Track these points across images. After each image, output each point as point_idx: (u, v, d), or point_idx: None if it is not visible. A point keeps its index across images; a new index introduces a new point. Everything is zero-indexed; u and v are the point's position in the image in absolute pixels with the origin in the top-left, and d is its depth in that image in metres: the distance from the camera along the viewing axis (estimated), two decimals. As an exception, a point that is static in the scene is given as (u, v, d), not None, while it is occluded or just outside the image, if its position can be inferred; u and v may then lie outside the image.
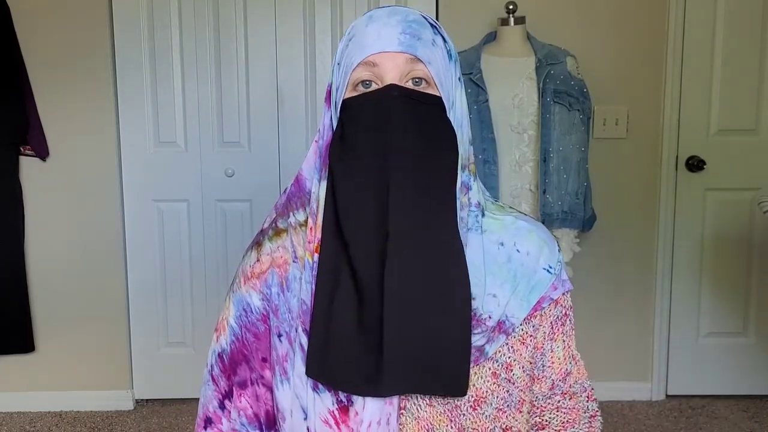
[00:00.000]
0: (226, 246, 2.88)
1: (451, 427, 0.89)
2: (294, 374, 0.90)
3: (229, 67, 2.80)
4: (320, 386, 0.88)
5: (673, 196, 2.85)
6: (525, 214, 0.99)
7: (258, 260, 0.95)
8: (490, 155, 2.34)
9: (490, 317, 0.89)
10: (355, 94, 0.87)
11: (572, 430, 0.97)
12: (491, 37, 2.53)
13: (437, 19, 2.67)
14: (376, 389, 0.84)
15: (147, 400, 2.95)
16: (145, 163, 2.83)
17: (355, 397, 0.87)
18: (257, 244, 0.97)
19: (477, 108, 2.33)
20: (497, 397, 0.90)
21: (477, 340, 0.88)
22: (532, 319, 0.93)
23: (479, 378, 0.89)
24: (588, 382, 1.01)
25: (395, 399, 0.87)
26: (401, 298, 0.83)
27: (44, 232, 2.84)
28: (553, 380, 0.97)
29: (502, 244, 0.93)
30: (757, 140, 2.83)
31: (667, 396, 2.96)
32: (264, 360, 0.95)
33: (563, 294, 0.96)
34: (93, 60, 2.76)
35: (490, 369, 0.90)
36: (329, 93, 0.92)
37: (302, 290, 0.90)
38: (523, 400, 0.93)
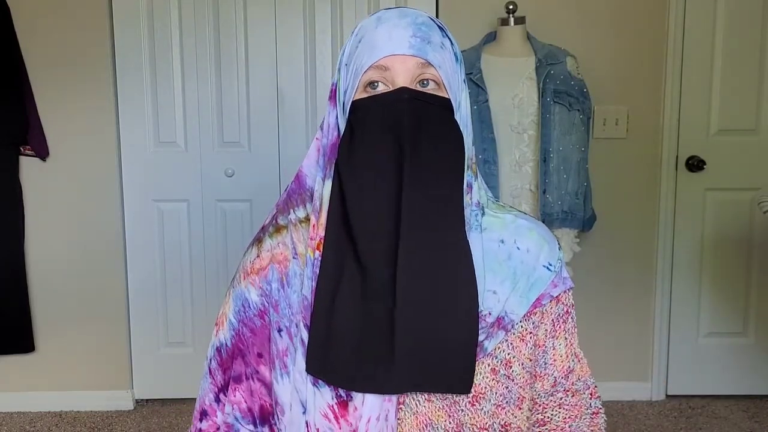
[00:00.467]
0: (226, 246, 2.88)
1: (450, 423, 0.89)
2: (294, 369, 0.90)
3: (229, 67, 2.80)
4: (320, 381, 0.88)
5: (673, 196, 2.85)
6: (525, 213, 1.00)
7: (258, 256, 0.96)
8: (490, 155, 2.34)
9: (489, 313, 0.90)
10: (365, 95, 0.88)
11: (574, 424, 0.97)
12: (491, 37, 2.53)
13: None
14: (383, 387, 0.85)
15: (147, 400, 2.95)
16: (145, 163, 2.84)
17: (354, 393, 0.87)
18: (258, 240, 0.98)
19: (477, 108, 2.33)
20: (496, 393, 0.91)
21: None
22: (531, 316, 0.93)
23: (478, 374, 0.90)
24: (591, 380, 1.01)
25: (394, 395, 0.88)
26: (412, 297, 0.84)
27: (44, 232, 2.84)
28: (555, 377, 0.97)
29: (502, 242, 0.94)
30: (757, 140, 2.83)
31: (667, 396, 2.96)
32: (260, 355, 0.95)
33: (564, 291, 0.96)
34: (93, 60, 2.76)
35: (489, 365, 0.91)
36: (334, 92, 0.92)
37: (303, 286, 0.91)
38: (523, 397, 0.93)
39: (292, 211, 0.96)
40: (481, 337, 0.89)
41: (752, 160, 2.83)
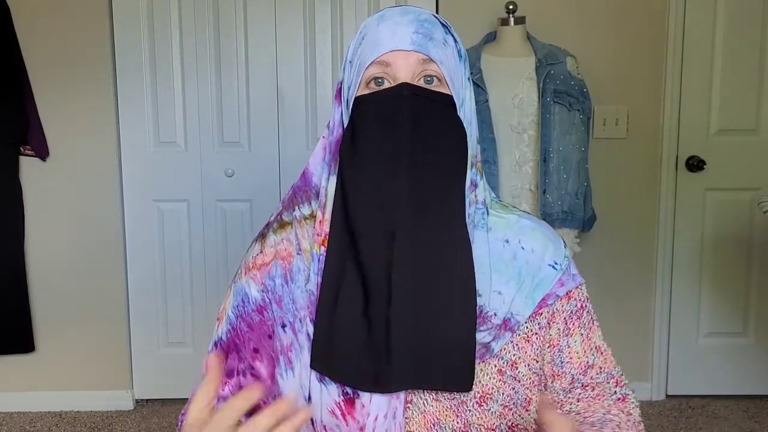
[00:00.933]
0: (226, 246, 2.89)
1: (457, 422, 0.89)
2: (300, 364, 0.90)
3: (229, 67, 2.80)
4: (326, 378, 0.88)
5: (673, 196, 2.85)
6: (528, 213, 0.99)
7: (261, 252, 0.96)
8: (490, 155, 2.34)
9: (495, 314, 0.89)
10: (367, 91, 0.88)
11: (597, 406, 0.95)
12: (491, 37, 2.53)
13: (437, 19, 2.66)
14: (381, 385, 0.85)
15: (147, 400, 2.95)
16: (145, 163, 2.83)
17: (361, 390, 0.87)
18: (262, 236, 0.98)
19: (477, 108, 2.32)
20: (503, 394, 0.91)
21: (483, 337, 0.88)
22: (537, 316, 0.93)
23: (485, 375, 0.90)
24: (617, 369, 0.98)
25: (402, 393, 0.88)
26: (409, 294, 0.84)
27: (44, 232, 2.84)
28: (572, 375, 0.96)
29: (507, 242, 0.93)
30: (757, 140, 2.83)
31: (667, 396, 2.96)
32: (256, 350, 0.95)
33: (576, 287, 0.95)
34: (93, 60, 2.76)
35: (495, 366, 0.91)
36: (340, 90, 0.92)
37: (309, 281, 0.91)
38: (529, 398, 0.93)
39: (297, 207, 0.96)
40: (488, 339, 0.89)
41: (752, 160, 2.83)
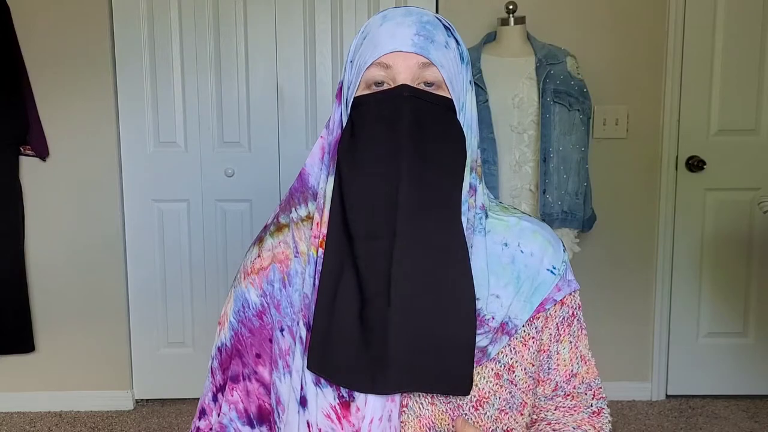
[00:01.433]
0: (226, 246, 2.89)
1: (453, 426, 0.89)
2: (293, 367, 0.90)
3: (229, 67, 2.80)
4: (322, 381, 0.88)
5: (673, 196, 2.85)
6: (528, 215, 0.99)
7: (259, 256, 0.96)
8: (490, 155, 2.34)
9: (493, 318, 0.89)
10: (367, 92, 0.88)
11: (569, 418, 0.96)
12: (491, 37, 2.53)
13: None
14: (378, 387, 0.85)
15: (147, 400, 2.95)
16: (145, 163, 2.84)
17: (356, 393, 0.87)
18: (259, 239, 0.98)
19: (477, 108, 2.32)
20: (499, 398, 0.90)
21: (480, 340, 0.88)
22: (534, 321, 0.93)
23: (482, 378, 0.89)
24: (596, 381, 0.99)
25: (397, 396, 0.87)
26: (407, 297, 0.83)
27: (44, 232, 2.84)
28: (557, 382, 0.96)
29: (506, 245, 0.93)
30: (757, 140, 2.83)
31: (667, 396, 2.96)
32: (258, 356, 0.95)
33: (570, 294, 0.95)
34: (93, 60, 2.76)
35: (492, 370, 0.90)
36: (341, 90, 0.92)
37: (305, 284, 0.90)
38: (525, 402, 0.93)
39: (293, 209, 0.96)
40: (485, 342, 0.88)
41: (752, 160, 2.83)
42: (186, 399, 2.89)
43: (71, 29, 2.74)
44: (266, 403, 0.96)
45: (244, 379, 0.96)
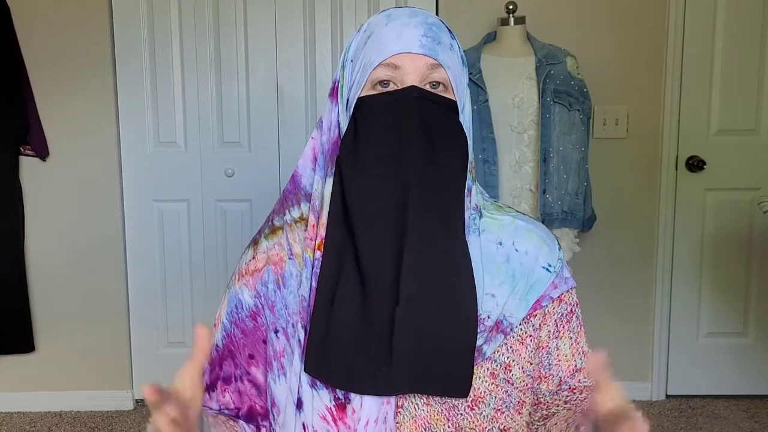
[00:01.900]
0: (226, 246, 2.89)
1: (449, 427, 0.89)
2: (290, 370, 0.90)
3: (229, 67, 2.80)
4: (318, 382, 0.88)
5: (673, 196, 2.85)
6: (524, 214, 0.99)
7: (254, 258, 0.96)
8: (490, 155, 2.34)
9: (488, 317, 0.89)
10: (373, 92, 0.87)
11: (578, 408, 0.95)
12: (491, 37, 2.53)
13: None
14: (378, 387, 0.85)
15: (147, 400, 2.95)
16: (145, 163, 2.84)
17: (352, 395, 0.87)
18: (254, 242, 0.98)
19: (477, 108, 2.33)
20: (495, 397, 0.90)
21: None
22: (531, 318, 0.92)
23: (477, 378, 0.89)
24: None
25: (393, 398, 0.87)
26: (413, 300, 0.83)
27: (44, 232, 2.84)
28: (560, 378, 0.96)
29: (500, 244, 0.93)
30: (757, 140, 2.83)
31: (667, 396, 2.96)
32: (251, 356, 0.95)
33: (567, 291, 0.95)
34: (93, 60, 2.76)
35: (488, 369, 0.90)
36: (336, 89, 0.91)
37: (301, 287, 0.90)
38: (523, 401, 0.92)
39: (287, 211, 0.96)
40: (479, 341, 0.88)
41: (752, 160, 2.83)
42: (186, 399, 2.89)
43: (71, 29, 2.74)
44: (257, 405, 0.96)
45: (236, 380, 0.96)
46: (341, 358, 0.85)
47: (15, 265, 2.80)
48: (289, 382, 0.90)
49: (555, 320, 0.94)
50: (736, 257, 2.89)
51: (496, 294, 0.90)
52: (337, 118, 0.91)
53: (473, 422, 0.89)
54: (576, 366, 0.97)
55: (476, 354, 0.88)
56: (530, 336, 0.93)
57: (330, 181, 0.88)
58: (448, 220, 0.86)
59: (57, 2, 2.73)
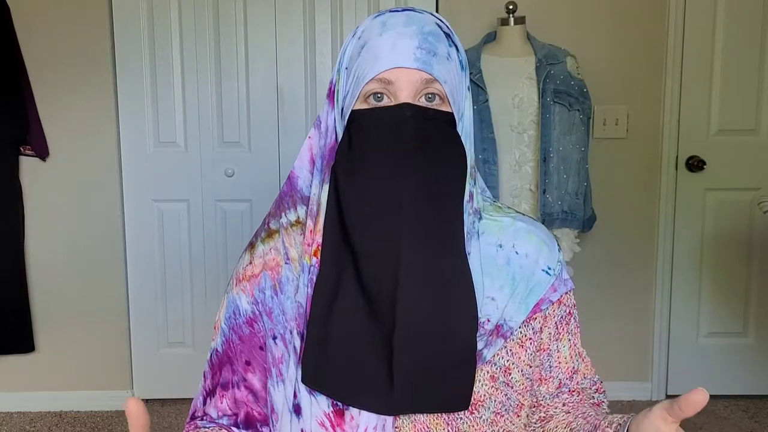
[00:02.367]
0: (226, 246, 2.89)
1: (448, 431, 0.88)
2: (287, 377, 0.90)
3: (229, 67, 2.80)
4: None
5: (673, 196, 2.85)
6: (523, 214, 0.98)
7: (250, 263, 0.95)
8: (490, 155, 2.34)
9: (488, 320, 0.88)
10: (366, 106, 0.85)
11: (578, 411, 0.95)
12: (491, 37, 2.53)
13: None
14: (381, 407, 0.84)
15: (147, 400, 2.95)
16: (145, 163, 2.84)
17: None
18: (251, 245, 0.97)
19: (477, 108, 2.33)
20: (495, 401, 0.90)
21: None
22: (531, 321, 0.92)
23: (477, 381, 0.89)
24: (596, 376, 0.99)
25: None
26: (412, 319, 0.82)
27: (44, 232, 2.84)
28: (560, 380, 0.96)
29: (500, 246, 0.92)
30: (757, 140, 2.83)
31: (667, 396, 2.96)
32: (248, 363, 0.95)
33: (566, 293, 0.95)
34: (93, 60, 2.76)
35: (488, 372, 0.90)
36: (333, 91, 0.90)
37: (298, 292, 0.89)
38: (521, 404, 0.92)
39: (283, 214, 0.95)
40: (479, 346, 0.88)
41: (752, 160, 2.83)
42: (186, 399, 2.89)
43: (71, 29, 2.74)
44: (254, 411, 0.96)
45: (233, 387, 0.96)
46: (339, 370, 0.85)
47: (15, 265, 2.80)
48: (285, 389, 0.90)
49: (555, 322, 0.94)
50: (736, 257, 2.89)
51: (496, 297, 0.89)
52: (334, 123, 0.89)
53: (473, 426, 0.89)
54: (574, 368, 0.97)
55: (476, 358, 0.88)
56: (530, 339, 0.92)
57: (326, 188, 0.87)
58: (446, 238, 0.85)
59: (57, 2, 2.73)
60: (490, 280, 0.89)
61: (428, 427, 0.88)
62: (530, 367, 0.93)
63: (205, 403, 0.99)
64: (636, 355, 2.93)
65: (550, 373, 0.95)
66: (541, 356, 0.94)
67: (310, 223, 0.89)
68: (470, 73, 2.33)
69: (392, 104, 0.84)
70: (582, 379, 0.98)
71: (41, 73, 2.75)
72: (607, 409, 0.98)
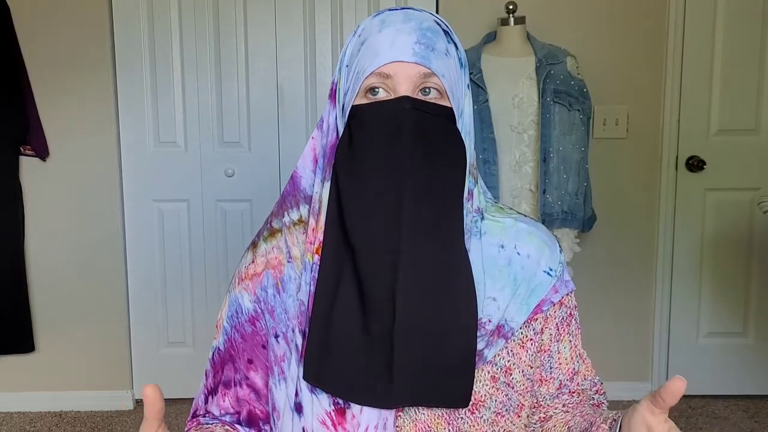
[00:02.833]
0: (226, 246, 2.89)
1: (449, 431, 0.89)
2: (288, 375, 0.90)
3: (229, 67, 2.80)
4: (317, 388, 0.88)
5: (673, 196, 2.85)
6: (525, 215, 0.98)
7: (253, 261, 0.95)
8: (490, 155, 2.34)
9: (489, 321, 0.89)
10: (365, 101, 0.86)
11: (576, 411, 0.95)
12: (491, 37, 2.53)
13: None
14: (380, 401, 0.84)
15: (147, 400, 2.95)
16: (145, 163, 2.84)
17: None
18: (253, 244, 0.97)
19: (477, 108, 2.33)
20: (496, 401, 0.90)
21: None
22: (532, 322, 0.92)
23: (478, 382, 0.89)
24: (597, 378, 1.00)
25: None
26: (411, 315, 0.83)
27: (44, 232, 2.84)
28: (560, 381, 0.96)
29: (502, 247, 0.92)
30: (757, 140, 2.83)
31: (667, 396, 2.95)
32: (250, 361, 0.95)
33: (567, 294, 0.95)
34: (93, 60, 2.76)
35: (489, 373, 0.90)
36: (334, 91, 0.90)
37: (300, 290, 0.90)
38: (522, 404, 0.92)
39: (286, 213, 0.95)
40: (480, 346, 0.88)
41: (752, 160, 2.83)
42: (186, 399, 2.88)
43: (71, 29, 2.74)
44: (256, 409, 0.96)
45: (235, 385, 0.96)
46: (340, 367, 0.85)
47: (15, 265, 2.80)
48: (286, 387, 0.90)
49: (556, 323, 0.94)
50: (736, 257, 2.89)
51: (498, 298, 0.89)
52: (335, 121, 0.90)
53: (473, 426, 0.89)
54: (574, 369, 0.97)
55: (477, 358, 0.88)
56: (531, 340, 0.92)
57: (327, 185, 0.88)
58: (445, 232, 0.85)
59: (57, 2, 2.73)
60: (492, 280, 0.90)
61: (429, 427, 0.88)
62: (531, 367, 0.93)
63: (206, 402, 0.99)
64: (636, 355, 2.93)
65: (551, 374, 0.95)
66: (542, 357, 0.94)
67: (312, 221, 0.90)
68: (471, 73, 2.36)
69: (391, 98, 0.85)
70: (582, 381, 0.98)
71: (41, 73, 2.75)
72: (607, 411, 0.98)
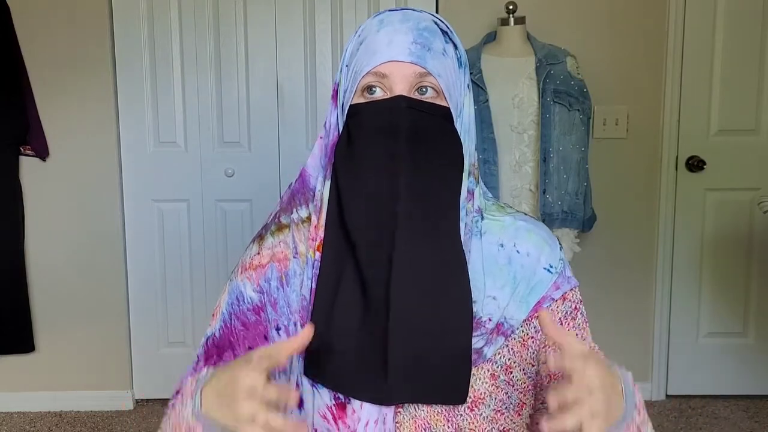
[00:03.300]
0: (226, 246, 2.89)
1: (448, 427, 0.89)
2: (290, 369, 0.90)
3: (229, 67, 2.80)
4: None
5: (673, 196, 2.85)
6: (525, 214, 0.98)
7: (258, 253, 0.96)
8: (490, 155, 2.34)
9: (489, 319, 0.89)
10: (362, 100, 0.87)
11: None
12: (491, 37, 2.53)
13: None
14: (379, 397, 0.85)
15: (147, 400, 2.95)
16: (145, 163, 2.84)
17: None
18: (260, 237, 0.98)
19: (477, 108, 2.33)
20: (495, 398, 0.90)
21: (476, 342, 0.88)
22: (533, 320, 0.92)
23: (477, 379, 0.89)
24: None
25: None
26: (406, 312, 0.83)
27: (44, 232, 2.84)
28: None
29: (502, 246, 0.93)
30: (757, 140, 2.83)
31: (667, 396, 2.96)
32: (250, 349, 0.95)
33: (571, 290, 0.95)
34: (93, 60, 2.76)
35: (488, 371, 0.90)
36: (336, 92, 0.92)
37: (303, 286, 0.91)
38: (523, 403, 0.92)
39: (295, 210, 0.96)
40: (480, 344, 0.88)
41: (752, 160, 2.83)
42: (186, 399, 2.89)
43: (71, 29, 2.74)
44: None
45: None
46: (341, 363, 0.86)
47: (15, 265, 2.80)
48: (289, 381, 0.90)
49: (559, 318, 0.94)
50: (736, 257, 2.89)
51: (497, 296, 0.90)
52: (336, 121, 0.91)
53: (473, 423, 0.90)
54: None
55: (477, 356, 0.89)
56: (532, 338, 0.93)
57: (328, 184, 0.89)
58: (441, 230, 0.86)
59: (57, 2, 2.73)
60: (492, 279, 0.90)
61: (428, 423, 0.89)
62: (532, 365, 0.93)
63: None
64: (636, 355, 2.93)
65: None
66: (547, 352, 0.94)
67: (314, 219, 0.91)
68: (471, 73, 2.35)
69: (387, 97, 0.86)
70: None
71: (41, 73, 2.75)
72: None
